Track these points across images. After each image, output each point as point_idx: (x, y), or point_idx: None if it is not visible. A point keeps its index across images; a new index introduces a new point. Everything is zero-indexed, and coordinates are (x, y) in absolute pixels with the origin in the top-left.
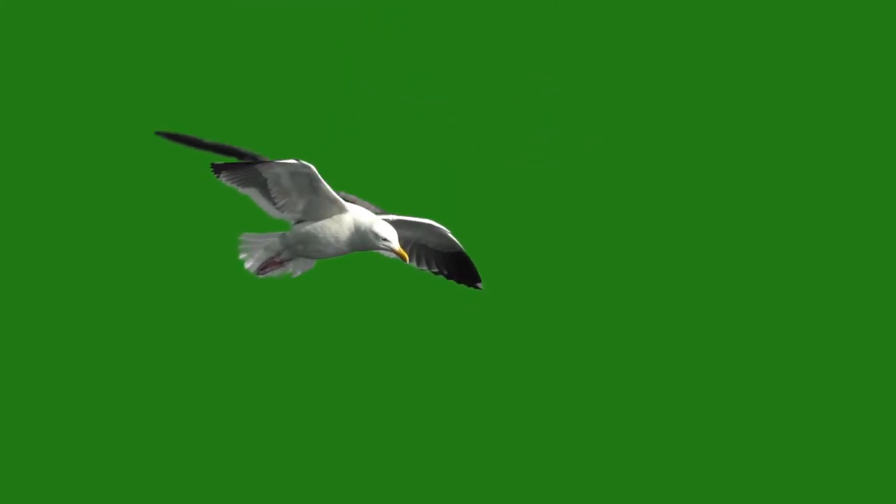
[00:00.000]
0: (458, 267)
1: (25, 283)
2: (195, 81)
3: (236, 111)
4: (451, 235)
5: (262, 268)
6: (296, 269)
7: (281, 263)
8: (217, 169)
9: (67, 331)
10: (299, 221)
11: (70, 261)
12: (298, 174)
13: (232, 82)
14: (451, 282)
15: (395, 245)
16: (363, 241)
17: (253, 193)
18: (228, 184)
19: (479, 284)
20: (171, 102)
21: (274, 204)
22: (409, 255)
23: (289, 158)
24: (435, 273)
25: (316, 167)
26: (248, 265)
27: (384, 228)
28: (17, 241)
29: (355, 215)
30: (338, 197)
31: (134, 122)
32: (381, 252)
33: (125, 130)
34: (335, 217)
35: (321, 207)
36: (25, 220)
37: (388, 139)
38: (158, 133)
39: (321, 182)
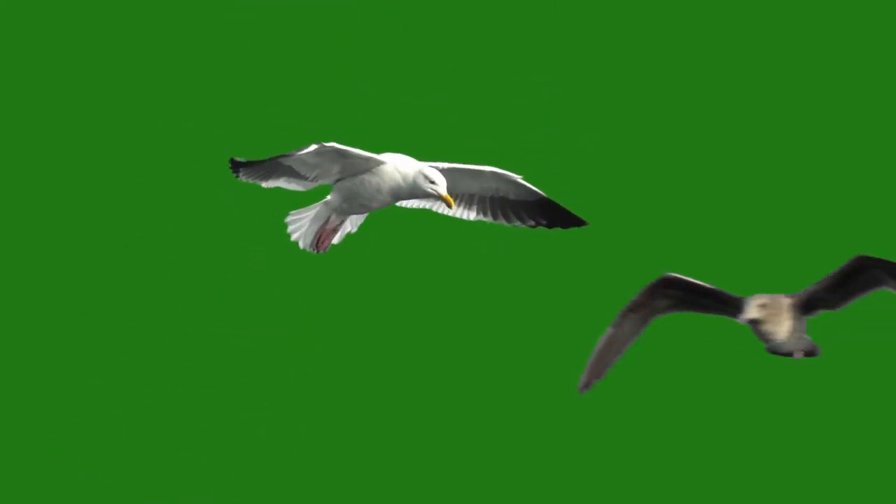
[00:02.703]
0: (552, 214)
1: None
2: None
3: (239, 107)
4: (522, 181)
5: (317, 242)
6: (354, 224)
7: (334, 230)
8: (235, 166)
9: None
10: (338, 181)
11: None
12: (323, 152)
13: (236, 77)
14: (555, 230)
15: (443, 190)
16: (409, 189)
17: (280, 182)
18: (249, 180)
19: (585, 222)
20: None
21: (306, 179)
22: (493, 214)
23: (310, 146)
24: (532, 226)
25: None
26: (302, 244)
27: (432, 172)
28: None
29: (396, 164)
30: (371, 154)
31: (136, 120)
32: (426, 200)
33: (131, 128)
34: (374, 170)
35: (357, 166)
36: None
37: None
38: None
39: (350, 150)
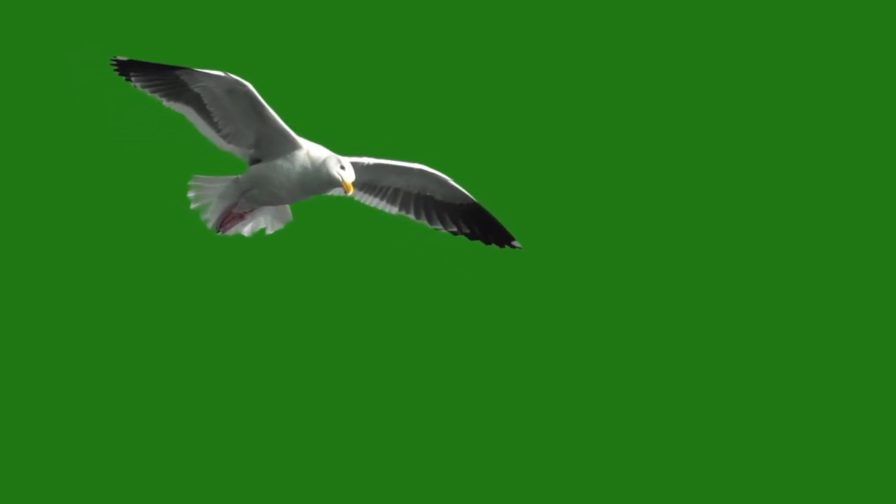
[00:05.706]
0: (480, 223)
1: None
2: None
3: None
4: (453, 183)
5: (222, 223)
6: (270, 224)
7: (242, 217)
8: (123, 66)
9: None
10: (255, 162)
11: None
12: (235, 93)
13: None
14: (477, 243)
15: (349, 177)
16: (318, 179)
17: (188, 113)
18: (146, 90)
19: (516, 242)
20: None
21: (218, 132)
22: (416, 212)
23: (218, 71)
24: (454, 233)
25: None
26: (204, 217)
27: (345, 160)
28: None
29: (310, 150)
30: (289, 130)
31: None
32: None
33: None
34: (287, 155)
35: (274, 143)
36: None
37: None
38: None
39: (265, 107)
